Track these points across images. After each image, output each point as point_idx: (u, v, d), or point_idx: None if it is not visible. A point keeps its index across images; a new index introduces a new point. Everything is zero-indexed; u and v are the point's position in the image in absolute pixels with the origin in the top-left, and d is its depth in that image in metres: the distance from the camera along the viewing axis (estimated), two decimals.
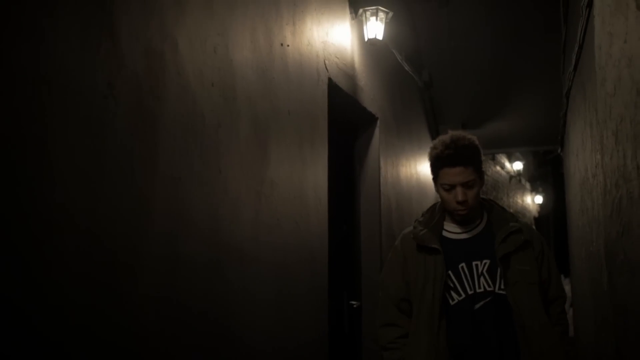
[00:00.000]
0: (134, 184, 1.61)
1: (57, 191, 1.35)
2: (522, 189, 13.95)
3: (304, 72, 2.97)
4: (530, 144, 8.14)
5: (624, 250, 2.08)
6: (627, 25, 1.88)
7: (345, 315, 3.94)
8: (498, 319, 2.09)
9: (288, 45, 2.74)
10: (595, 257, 3.28)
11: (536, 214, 15.36)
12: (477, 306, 2.11)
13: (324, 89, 3.28)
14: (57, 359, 1.35)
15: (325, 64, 3.28)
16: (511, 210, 2.42)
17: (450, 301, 2.12)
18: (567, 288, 7.80)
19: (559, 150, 6.84)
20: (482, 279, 2.12)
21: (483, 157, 2.21)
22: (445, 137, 2.16)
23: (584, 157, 3.84)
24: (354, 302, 4.02)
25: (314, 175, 3.07)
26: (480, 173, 2.16)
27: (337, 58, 3.51)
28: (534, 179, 14.88)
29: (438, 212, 2.27)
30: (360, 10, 3.81)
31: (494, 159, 10.55)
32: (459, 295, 2.12)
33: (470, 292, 2.12)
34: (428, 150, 2.21)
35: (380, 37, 3.80)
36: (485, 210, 2.27)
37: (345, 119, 4.05)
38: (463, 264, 2.14)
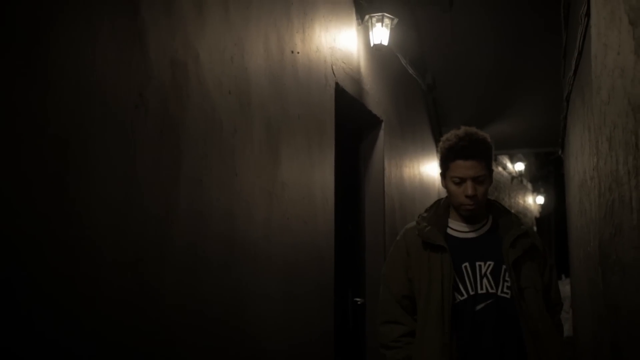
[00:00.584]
0: (160, 185, 1.74)
1: (93, 191, 1.48)
2: (524, 189, 14.05)
3: (313, 78, 3.09)
4: (531, 146, 8.24)
5: (616, 251, 2.13)
6: (620, 38, 1.94)
7: (349, 312, 4.06)
8: (500, 323, 2.05)
9: (298, 52, 2.86)
10: (592, 258, 3.35)
11: (537, 215, 15.44)
12: (478, 307, 2.07)
13: (331, 93, 3.40)
14: (91, 343, 1.47)
15: (332, 69, 3.41)
16: (513, 211, 2.42)
17: (453, 301, 2.07)
18: (567, 288, 7.90)
19: (560, 152, 6.92)
20: (484, 280, 2.09)
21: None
22: (458, 131, 2.13)
23: (583, 160, 3.91)
24: (358, 299, 4.14)
25: (321, 177, 3.19)
26: (490, 171, 2.14)
27: (344, 63, 3.64)
28: (536, 179, 14.95)
29: (442, 209, 2.23)
30: (367, 17, 3.92)
31: (495, 160, 10.63)
32: (461, 295, 2.08)
33: (472, 293, 2.08)
34: (440, 143, 2.17)
35: (385, 42, 3.92)
36: (490, 211, 2.23)
37: (351, 121, 4.16)
38: (467, 264, 2.10)
